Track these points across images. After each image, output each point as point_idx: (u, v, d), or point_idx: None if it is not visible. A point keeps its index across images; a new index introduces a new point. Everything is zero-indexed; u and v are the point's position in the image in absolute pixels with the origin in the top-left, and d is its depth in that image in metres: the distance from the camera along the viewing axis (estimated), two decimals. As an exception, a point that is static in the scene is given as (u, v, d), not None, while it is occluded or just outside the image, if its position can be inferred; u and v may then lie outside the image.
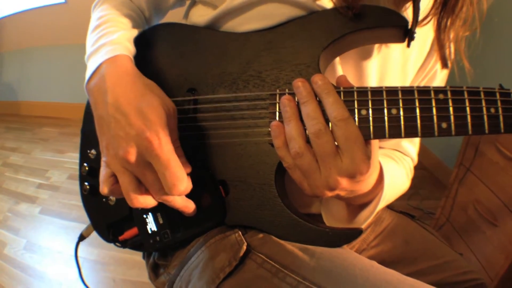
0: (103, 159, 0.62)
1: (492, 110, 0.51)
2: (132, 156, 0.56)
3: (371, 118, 0.55)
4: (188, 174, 0.61)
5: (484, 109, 0.52)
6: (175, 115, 0.64)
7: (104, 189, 0.62)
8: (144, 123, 0.56)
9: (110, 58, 0.65)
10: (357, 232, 0.62)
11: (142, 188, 0.60)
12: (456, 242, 1.83)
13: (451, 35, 0.71)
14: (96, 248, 2.04)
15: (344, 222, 0.74)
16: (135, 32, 0.75)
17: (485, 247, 1.65)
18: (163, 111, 0.59)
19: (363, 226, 0.91)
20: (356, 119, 0.56)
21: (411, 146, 0.88)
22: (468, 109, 0.52)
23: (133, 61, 0.68)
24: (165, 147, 0.56)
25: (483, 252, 1.66)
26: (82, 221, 0.81)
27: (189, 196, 0.67)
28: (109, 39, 0.68)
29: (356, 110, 0.56)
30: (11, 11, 3.49)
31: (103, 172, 0.62)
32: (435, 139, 0.64)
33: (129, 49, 0.69)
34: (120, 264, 1.98)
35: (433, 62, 0.79)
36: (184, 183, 0.57)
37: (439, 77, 0.83)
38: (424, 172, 2.76)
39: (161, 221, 0.70)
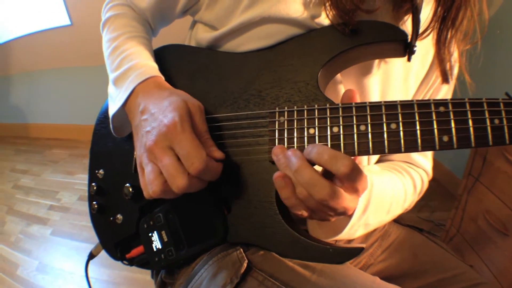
0: (136, 160, 0.66)
1: (496, 121, 0.51)
2: (154, 144, 0.59)
3: (370, 134, 0.55)
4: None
5: (488, 120, 0.51)
6: (201, 111, 0.65)
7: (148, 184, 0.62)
8: (165, 116, 0.60)
9: (143, 82, 0.69)
10: (358, 250, 0.61)
11: (163, 177, 0.60)
12: (468, 253, 1.81)
13: (452, 49, 0.70)
14: (108, 268, 2.04)
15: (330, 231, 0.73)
16: (150, 48, 0.79)
17: (497, 257, 1.63)
18: (185, 106, 0.62)
19: (370, 242, 0.91)
20: (355, 134, 0.56)
21: (423, 158, 0.87)
22: (470, 121, 0.52)
23: (162, 77, 0.73)
24: (182, 130, 0.59)
25: (495, 263, 1.63)
26: (92, 242, 0.83)
27: (192, 214, 0.69)
28: (134, 62, 0.72)
29: (355, 126, 0.56)
30: (18, 34, 3.54)
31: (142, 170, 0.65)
32: (443, 150, 0.64)
33: (155, 68, 0.73)
34: (131, 284, 1.96)
35: (435, 76, 0.78)
36: (201, 160, 0.58)
37: (443, 90, 0.82)
38: (434, 184, 2.72)
39: (165, 239, 0.71)
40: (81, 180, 3.09)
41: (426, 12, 0.67)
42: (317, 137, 0.59)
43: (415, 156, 0.86)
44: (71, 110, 3.89)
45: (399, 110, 0.55)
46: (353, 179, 0.53)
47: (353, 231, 0.70)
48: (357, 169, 0.52)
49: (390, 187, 0.76)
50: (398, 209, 0.78)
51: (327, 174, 0.56)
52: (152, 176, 0.60)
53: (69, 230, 2.46)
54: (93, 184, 0.84)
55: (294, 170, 0.55)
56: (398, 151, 0.55)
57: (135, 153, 0.77)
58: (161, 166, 0.59)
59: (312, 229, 0.75)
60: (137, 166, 0.66)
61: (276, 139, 0.62)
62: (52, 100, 3.92)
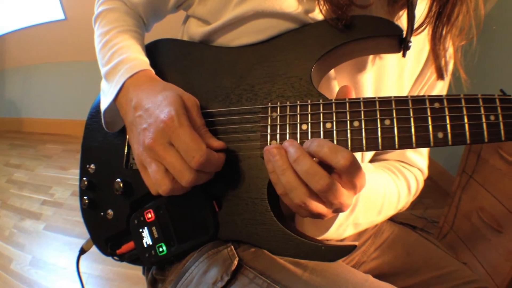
0: (136, 159, 0.65)
1: (492, 118, 0.50)
2: (154, 142, 0.58)
3: (363, 130, 0.55)
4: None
5: (483, 116, 0.50)
6: (197, 105, 0.65)
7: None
8: (161, 111, 0.59)
9: (133, 76, 0.68)
10: (351, 248, 0.60)
11: (170, 175, 0.60)
12: (461, 251, 1.81)
13: (447, 45, 0.70)
14: (100, 264, 2.04)
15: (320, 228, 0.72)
16: (142, 42, 0.79)
17: (490, 254, 1.63)
18: (180, 100, 0.61)
19: (362, 239, 0.90)
20: (348, 131, 0.55)
21: (418, 156, 0.86)
22: (465, 117, 0.51)
23: (152, 71, 0.72)
24: (179, 125, 0.58)
25: (489, 260, 1.64)
26: (85, 237, 0.83)
27: (183, 210, 0.69)
28: (125, 56, 0.71)
29: (348, 122, 0.56)
30: (12, 28, 3.52)
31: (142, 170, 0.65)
32: (438, 148, 0.64)
33: (146, 62, 0.73)
34: (124, 280, 1.97)
35: (430, 72, 0.78)
36: (201, 153, 0.57)
37: (438, 86, 0.81)
38: (427, 181, 2.68)
39: (156, 235, 0.70)
40: (74, 175, 3.08)
41: (422, 8, 0.66)
42: (309, 133, 0.58)
43: (410, 154, 0.86)
44: (65, 105, 3.87)
45: (393, 106, 0.54)
46: (352, 173, 0.51)
47: (342, 230, 0.70)
48: (356, 163, 0.51)
49: (382, 187, 0.75)
50: (390, 210, 0.78)
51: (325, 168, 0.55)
52: (159, 175, 0.59)
53: (62, 225, 2.45)
54: (84, 179, 0.83)
55: (293, 159, 0.53)
56: (392, 147, 0.54)
57: (125, 147, 0.76)
58: (166, 163, 0.59)
59: (299, 225, 0.75)
60: (137, 165, 0.65)
61: (268, 135, 0.62)
62: (46, 95, 3.90)
